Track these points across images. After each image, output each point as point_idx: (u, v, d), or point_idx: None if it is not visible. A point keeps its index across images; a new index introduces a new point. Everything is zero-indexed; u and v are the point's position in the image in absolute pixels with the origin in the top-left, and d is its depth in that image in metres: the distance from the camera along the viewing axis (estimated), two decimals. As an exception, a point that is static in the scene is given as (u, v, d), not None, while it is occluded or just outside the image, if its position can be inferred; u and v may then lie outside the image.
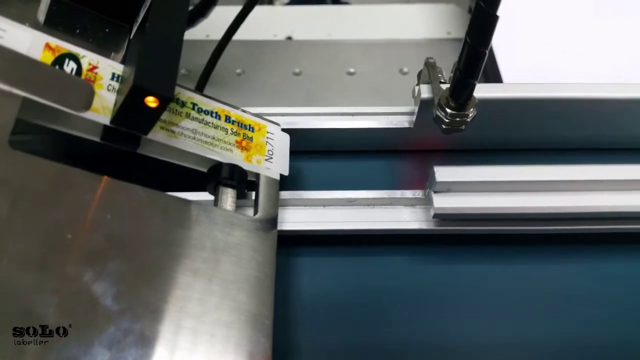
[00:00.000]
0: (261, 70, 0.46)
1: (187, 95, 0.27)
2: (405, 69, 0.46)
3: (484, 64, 0.25)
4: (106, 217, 0.23)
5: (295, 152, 0.32)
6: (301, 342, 0.28)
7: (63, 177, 0.22)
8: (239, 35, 0.38)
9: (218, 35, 0.38)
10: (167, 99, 0.23)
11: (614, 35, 0.43)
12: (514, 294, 0.30)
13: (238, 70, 0.46)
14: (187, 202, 0.25)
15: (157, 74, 0.23)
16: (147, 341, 0.21)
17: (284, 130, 0.31)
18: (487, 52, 0.25)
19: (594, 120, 0.33)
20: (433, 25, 0.50)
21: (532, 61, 0.42)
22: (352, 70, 0.46)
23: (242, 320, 0.24)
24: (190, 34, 0.38)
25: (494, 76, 0.41)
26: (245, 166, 0.28)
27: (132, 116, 0.24)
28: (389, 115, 0.33)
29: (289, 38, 0.49)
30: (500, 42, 0.42)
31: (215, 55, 0.38)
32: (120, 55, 0.27)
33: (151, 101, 0.23)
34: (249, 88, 0.45)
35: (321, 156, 0.34)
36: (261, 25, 0.48)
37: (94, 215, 0.23)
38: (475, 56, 0.25)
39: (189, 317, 0.23)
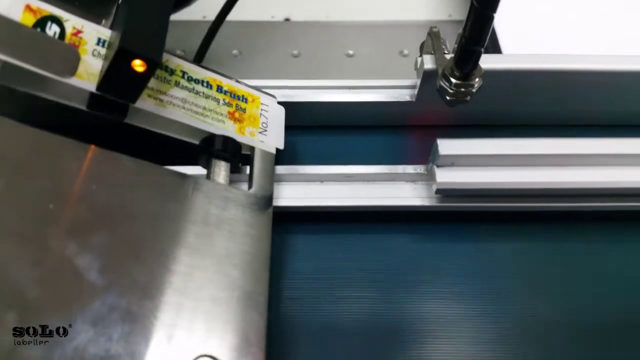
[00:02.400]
0: (258, 51, 0.45)
1: (176, 62, 0.26)
2: (406, 51, 0.45)
3: (490, 29, 0.24)
4: (92, 187, 0.22)
5: (292, 127, 0.30)
6: (297, 320, 0.27)
7: (47, 144, 0.21)
8: (235, 15, 0.36)
9: (214, 16, 0.36)
10: (154, 63, 0.22)
11: (619, 6, 0.42)
12: (519, 272, 0.29)
13: (235, 52, 0.44)
14: (179, 175, 0.24)
15: (145, 36, 0.22)
16: (134, 317, 0.20)
17: (280, 103, 0.30)
18: (494, 16, 0.23)
19: (603, 94, 0.31)
20: (434, 7, 0.49)
21: (533, 34, 0.40)
22: (351, 52, 0.45)
23: (235, 297, 0.22)
24: (186, 14, 0.37)
25: (493, 50, 0.40)
26: (238, 138, 0.27)
27: (118, 82, 0.23)
28: (389, 88, 0.32)
29: (287, 19, 0.48)
30: (501, 15, 0.41)
31: (209, 35, 0.37)
32: (110, 21, 0.26)
33: (138, 65, 0.22)
34: (245, 69, 0.43)
35: (319, 131, 0.33)
36: (258, 5, 0.47)
37: (79, 185, 0.21)
38: (482, 20, 0.23)
39: (179, 293, 0.21)
